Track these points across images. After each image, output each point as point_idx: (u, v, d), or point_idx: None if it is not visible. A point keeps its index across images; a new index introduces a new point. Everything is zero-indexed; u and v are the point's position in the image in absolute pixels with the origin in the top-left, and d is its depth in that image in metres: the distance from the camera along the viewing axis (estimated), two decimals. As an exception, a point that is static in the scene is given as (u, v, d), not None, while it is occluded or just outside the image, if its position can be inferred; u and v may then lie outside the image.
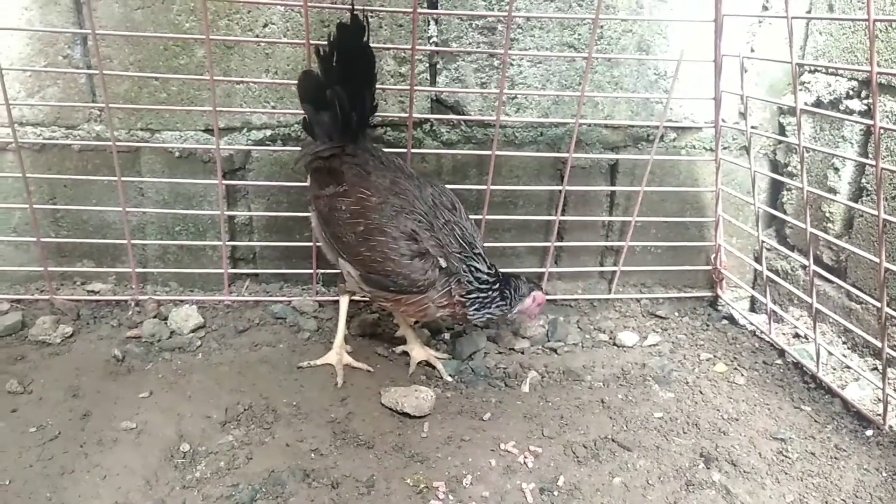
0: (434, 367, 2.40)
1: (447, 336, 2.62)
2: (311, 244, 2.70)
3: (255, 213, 2.76)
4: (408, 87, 2.50)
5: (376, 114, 2.33)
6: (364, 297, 2.33)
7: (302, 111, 2.21)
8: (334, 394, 2.23)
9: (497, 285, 2.19)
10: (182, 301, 2.67)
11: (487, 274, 2.17)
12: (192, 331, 2.52)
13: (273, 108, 2.64)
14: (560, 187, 2.75)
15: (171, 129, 2.63)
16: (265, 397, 2.18)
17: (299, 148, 2.63)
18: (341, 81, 2.11)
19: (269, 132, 2.69)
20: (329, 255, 2.26)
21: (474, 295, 2.16)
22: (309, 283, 2.84)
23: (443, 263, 2.09)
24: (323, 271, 2.79)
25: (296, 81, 2.18)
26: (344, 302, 2.38)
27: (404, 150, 2.57)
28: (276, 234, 2.80)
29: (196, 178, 2.64)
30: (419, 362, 2.41)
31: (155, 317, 2.59)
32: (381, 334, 2.60)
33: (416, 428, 2.10)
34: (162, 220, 2.72)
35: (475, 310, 2.17)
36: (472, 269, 2.15)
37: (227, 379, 2.27)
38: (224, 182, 2.61)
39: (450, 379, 2.37)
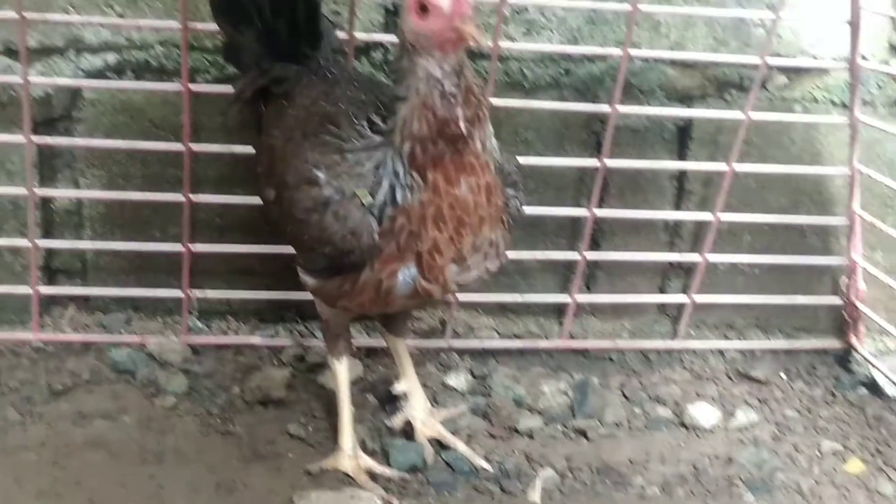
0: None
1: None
2: (180, 247, 2.68)
3: (86, 192, 2.74)
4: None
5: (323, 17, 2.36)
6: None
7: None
8: (217, 499, 2.22)
9: None
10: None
11: None
12: (-29, 391, 2.50)
13: (121, 16, 2.62)
14: (596, 161, 2.76)
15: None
16: (98, 506, 2.16)
17: (160, 83, 2.63)
18: None
19: (112, 57, 2.67)
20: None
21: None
22: (176, 314, 2.81)
23: (365, 199, 2.00)
24: (203, 294, 2.78)
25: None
26: (341, 369, 2.37)
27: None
28: (121, 230, 2.79)
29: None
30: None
31: None
32: (294, 402, 2.60)
33: (352, 561, 2.10)
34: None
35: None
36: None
37: (35, 474, 2.23)
38: (36, 139, 2.58)
39: (397, 475, 2.34)
